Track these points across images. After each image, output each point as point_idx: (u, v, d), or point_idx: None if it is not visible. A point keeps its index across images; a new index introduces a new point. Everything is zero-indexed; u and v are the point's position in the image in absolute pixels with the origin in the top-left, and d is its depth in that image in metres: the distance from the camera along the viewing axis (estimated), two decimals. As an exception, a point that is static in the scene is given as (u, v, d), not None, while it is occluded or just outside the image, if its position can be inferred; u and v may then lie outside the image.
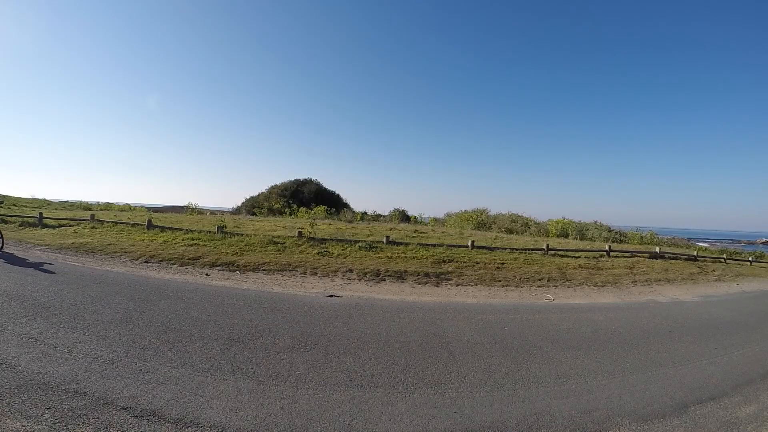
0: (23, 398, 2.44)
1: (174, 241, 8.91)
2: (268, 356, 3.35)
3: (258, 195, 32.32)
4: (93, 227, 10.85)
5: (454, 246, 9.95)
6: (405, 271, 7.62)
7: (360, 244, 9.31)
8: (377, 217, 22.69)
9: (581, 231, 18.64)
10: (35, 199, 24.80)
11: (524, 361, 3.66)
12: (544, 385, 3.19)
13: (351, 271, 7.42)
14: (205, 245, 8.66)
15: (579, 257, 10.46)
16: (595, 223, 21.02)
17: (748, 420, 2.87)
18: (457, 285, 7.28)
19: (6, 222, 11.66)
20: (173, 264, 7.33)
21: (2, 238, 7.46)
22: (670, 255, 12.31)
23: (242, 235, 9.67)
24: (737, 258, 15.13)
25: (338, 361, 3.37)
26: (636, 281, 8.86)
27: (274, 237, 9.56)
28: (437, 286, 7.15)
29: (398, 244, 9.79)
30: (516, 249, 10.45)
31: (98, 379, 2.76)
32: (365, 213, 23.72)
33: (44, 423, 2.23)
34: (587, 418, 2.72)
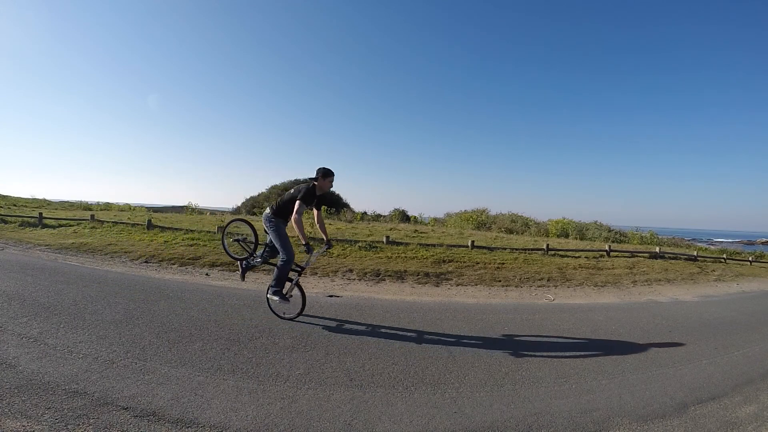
0: (23, 398, 2.44)
1: (174, 241, 8.91)
2: (268, 356, 3.35)
3: (258, 195, 32.24)
4: (93, 227, 10.85)
5: (454, 246, 9.95)
6: (405, 271, 7.62)
7: (360, 244, 9.31)
8: (377, 217, 22.66)
9: (581, 231, 18.63)
10: (35, 199, 24.81)
11: (524, 361, 3.66)
12: (544, 385, 3.18)
13: (351, 271, 7.42)
14: (205, 245, 8.66)
15: (579, 257, 10.46)
16: (595, 223, 21.00)
17: (748, 420, 2.87)
18: (457, 285, 7.28)
19: (6, 222, 11.66)
20: (173, 264, 7.34)
21: (304, 304, 4.32)
22: (670, 255, 12.30)
23: (242, 235, 9.66)
24: (737, 258, 15.11)
25: (338, 361, 3.36)
26: (636, 281, 8.86)
27: (274, 237, 9.55)
28: (437, 286, 7.15)
29: (398, 244, 9.79)
30: (516, 249, 10.44)
31: (98, 379, 2.75)
32: (365, 213, 23.69)
33: (44, 423, 2.22)
34: (587, 418, 2.72)
